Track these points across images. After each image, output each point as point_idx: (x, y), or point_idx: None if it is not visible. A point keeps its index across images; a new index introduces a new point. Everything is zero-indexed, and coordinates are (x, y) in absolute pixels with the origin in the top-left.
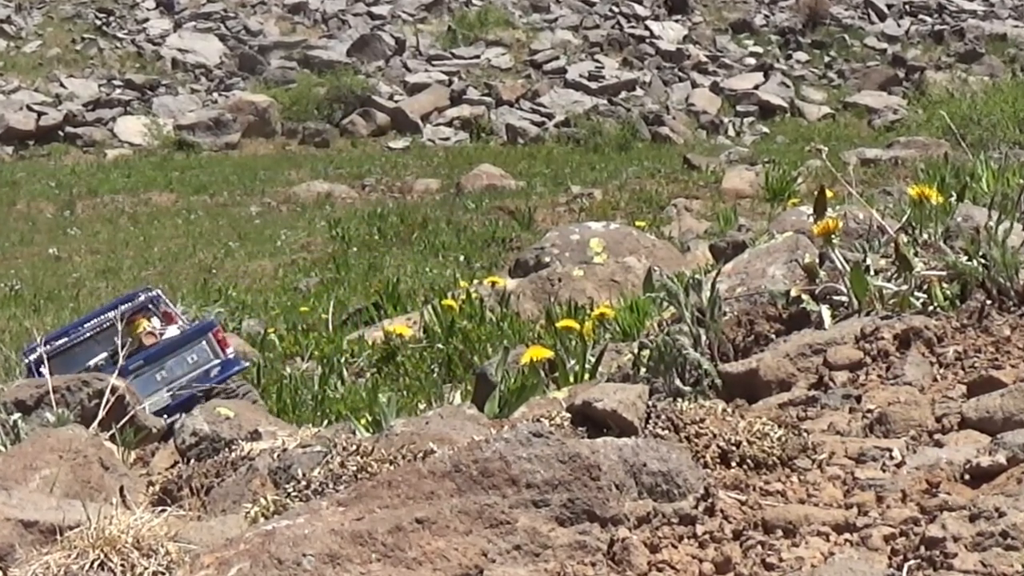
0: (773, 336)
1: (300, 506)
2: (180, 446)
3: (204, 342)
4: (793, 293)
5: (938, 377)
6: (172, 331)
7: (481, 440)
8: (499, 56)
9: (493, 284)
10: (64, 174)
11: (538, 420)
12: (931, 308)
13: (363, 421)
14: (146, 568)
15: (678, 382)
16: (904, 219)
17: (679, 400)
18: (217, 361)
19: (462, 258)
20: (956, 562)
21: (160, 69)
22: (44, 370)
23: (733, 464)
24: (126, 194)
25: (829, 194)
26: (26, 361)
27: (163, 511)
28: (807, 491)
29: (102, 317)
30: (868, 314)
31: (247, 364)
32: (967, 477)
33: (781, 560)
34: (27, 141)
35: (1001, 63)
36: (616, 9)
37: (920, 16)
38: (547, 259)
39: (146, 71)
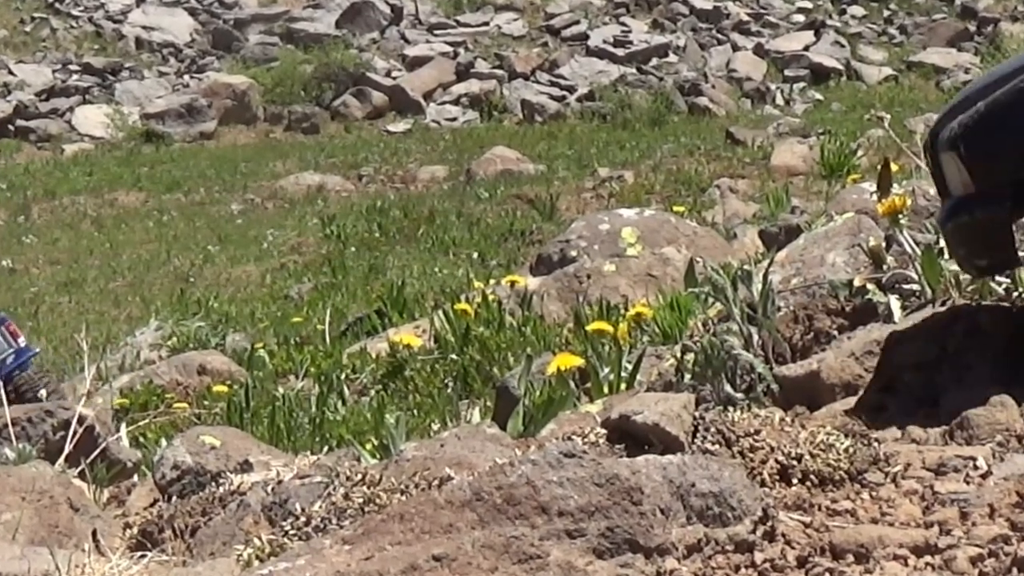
0: (835, 333)
1: (300, 546)
2: (160, 481)
3: None
4: (856, 283)
5: None
6: None
7: (505, 463)
8: (511, 22)
9: (512, 284)
10: (16, 174)
11: (569, 438)
12: (1015, 295)
13: (368, 446)
14: None
15: (728, 389)
16: None
17: (730, 409)
18: (12, 349)
19: (476, 255)
20: None
21: (122, 50)
22: None
23: (794, 481)
24: (88, 195)
25: (894, 168)
26: None
27: (143, 556)
28: (880, 509)
29: None
30: (943, 304)
31: (37, 350)
32: None
33: None
34: None
35: None
36: None
37: None
38: (573, 253)
39: (106, 53)
